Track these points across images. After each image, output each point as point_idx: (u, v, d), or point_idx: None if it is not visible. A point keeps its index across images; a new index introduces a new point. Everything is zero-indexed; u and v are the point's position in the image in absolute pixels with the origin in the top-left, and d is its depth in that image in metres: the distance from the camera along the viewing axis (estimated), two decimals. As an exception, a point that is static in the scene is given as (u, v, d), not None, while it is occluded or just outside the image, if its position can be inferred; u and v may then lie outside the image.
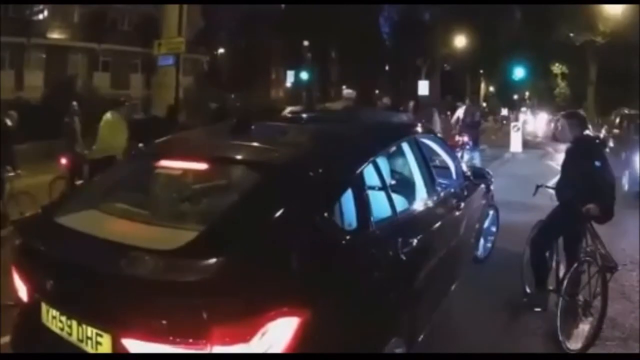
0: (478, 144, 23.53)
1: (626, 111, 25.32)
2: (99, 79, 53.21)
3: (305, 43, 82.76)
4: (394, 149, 6.96)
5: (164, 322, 3.66)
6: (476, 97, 77.66)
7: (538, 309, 8.11)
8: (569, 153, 8.25)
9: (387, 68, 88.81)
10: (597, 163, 7.62)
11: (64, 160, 14.09)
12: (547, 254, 8.34)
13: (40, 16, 52.70)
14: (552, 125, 44.54)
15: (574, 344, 7.14)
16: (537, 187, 8.82)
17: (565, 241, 8.13)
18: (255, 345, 3.61)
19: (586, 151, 7.88)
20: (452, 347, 6.81)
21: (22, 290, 4.54)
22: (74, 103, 15.24)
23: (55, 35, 53.97)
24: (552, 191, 8.52)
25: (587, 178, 7.56)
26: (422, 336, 5.99)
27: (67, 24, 55.52)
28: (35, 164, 18.04)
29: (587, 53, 63.12)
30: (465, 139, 22.76)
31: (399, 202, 6.29)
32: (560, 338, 7.14)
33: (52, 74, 48.58)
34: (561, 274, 8.05)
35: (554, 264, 8.37)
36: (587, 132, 8.17)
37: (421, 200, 6.72)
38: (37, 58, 51.60)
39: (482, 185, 9.66)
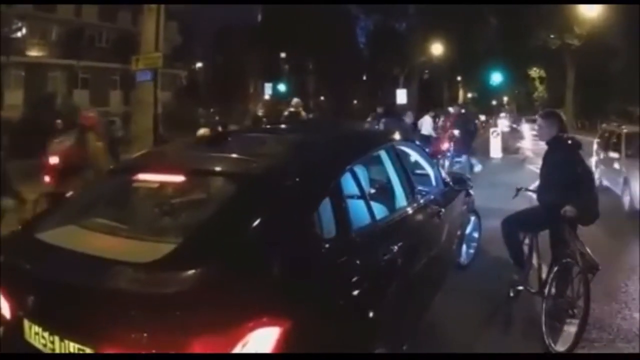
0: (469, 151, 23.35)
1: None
2: (78, 96, 53.06)
3: (282, 55, 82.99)
4: (371, 157, 6.96)
5: (144, 334, 3.64)
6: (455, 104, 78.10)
7: (520, 287, 8.24)
8: (546, 156, 8.30)
9: (364, 78, 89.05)
10: (572, 164, 7.68)
11: (47, 178, 14.04)
12: (521, 236, 8.48)
13: (19, 34, 52.60)
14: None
15: (561, 346, 7.14)
16: (518, 190, 8.84)
17: (551, 243, 8.16)
18: None
19: (561, 153, 7.92)
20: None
21: (4, 308, 4.51)
22: (59, 121, 15.21)
23: (34, 52, 53.92)
24: (532, 194, 8.59)
25: (564, 180, 7.61)
26: (405, 346, 5.99)
27: (46, 42, 55.61)
28: (17, 183, 17.95)
29: (564, 56, 63.53)
30: (446, 145, 22.74)
31: (378, 209, 6.29)
32: (547, 340, 7.16)
33: (31, 91, 48.48)
34: (544, 275, 8.08)
35: (535, 265, 8.41)
36: (564, 133, 8.19)
37: (401, 208, 6.73)
38: (16, 76, 51.48)
39: (463, 192, 9.68)
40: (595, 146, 21.78)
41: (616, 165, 17.95)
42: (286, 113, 19.70)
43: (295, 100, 19.66)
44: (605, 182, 19.19)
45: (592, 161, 20.40)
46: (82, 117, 10.64)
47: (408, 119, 23.36)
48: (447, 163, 22.12)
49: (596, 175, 19.03)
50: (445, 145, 22.92)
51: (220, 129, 14.71)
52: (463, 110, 26.88)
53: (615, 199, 17.03)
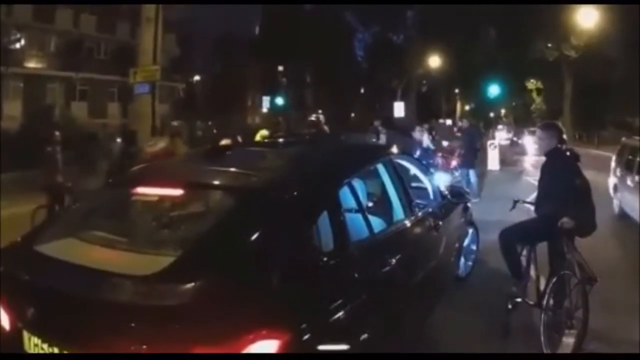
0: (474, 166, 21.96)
1: None
2: (76, 107, 53.04)
3: (280, 68, 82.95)
4: (369, 170, 6.98)
5: (143, 347, 3.67)
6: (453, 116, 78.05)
7: (518, 299, 8.12)
8: (543, 168, 8.31)
9: (362, 90, 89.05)
10: (570, 176, 7.68)
11: (45, 190, 14.05)
12: (519, 248, 8.36)
13: (18, 45, 52.58)
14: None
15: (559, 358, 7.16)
16: (515, 202, 8.82)
17: (549, 255, 8.15)
18: None
19: (560, 164, 7.94)
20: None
21: (4, 319, 4.51)
22: (57, 133, 15.18)
23: (32, 64, 53.93)
24: (529, 206, 8.58)
25: (561, 191, 7.61)
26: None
27: (44, 53, 55.59)
28: (16, 194, 17.98)
29: (562, 67, 63.57)
30: (454, 162, 22.27)
31: (377, 223, 6.33)
32: (545, 352, 7.16)
33: (30, 103, 48.50)
34: (542, 287, 8.05)
35: (533, 276, 8.39)
36: (563, 145, 8.18)
37: (398, 221, 6.77)
38: (15, 87, 51.48)
39: (461, 204, 9.68)
40: (612, 164, 18.32)
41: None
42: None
43: (320, 115, 22.31)
44: (635, 214, 15.08)
45: (610, 183, 18.27)
46: (171, 127, 12.91)
47: (418, 134, 22.82)
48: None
49: (615, 202, 17.33)
50: (453, 162, 22.35)
51: (240, 139, 15.58)
52: (461, 124, 25.76)
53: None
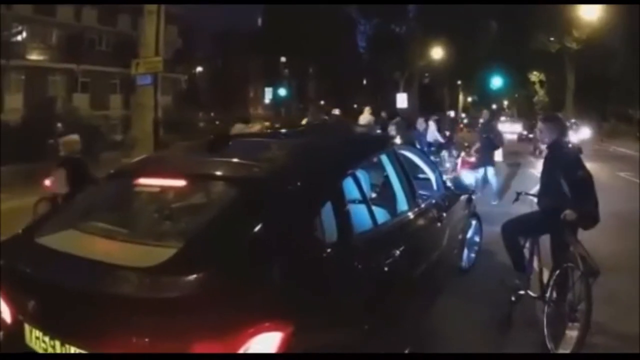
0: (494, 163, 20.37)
1: None
2: (78, 99, 52.99)
3: (283, 59, 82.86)
4: (373, 161, 6.96)
5: (145, 339, 3.65)
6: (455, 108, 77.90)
7: (521, 292, 8.12)
8: (546, 160, 8.28)
9: (364, 82, 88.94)
10: (573, 168, 7.63)
11: (47, 182, 14.00)
12: (522, 240, 8.35)
13: (19, 37, 52.52)
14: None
15: (562, 350, 7.11)
16: (518, 194, 8.79)
17: (552, 248, 8.13)
18: None
19: (561, 157, 7.90)
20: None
21: (5, 312, 4.49)
22: (59, 125, 15.22)
23: (34, 56, 53.82)
24: (532, 198, 8.54)
25: (564, 184, 7.57)
26: (408, 349, 5.98)
27: (46, 46, 55.47)
28: (17, 186, 17.99)
29: (564, 60, 63.42)
30: (473, 159, 20.96)
31: (380, 214, 6.29)
32: (549, 345, 7.14)
33: (31, 95, 48.41)
34: (545, 280, 8.03)
35: (536, 269, 8.36)
36: (565, 137, 8.14)
37: (402, 212, 6.74)
38: (16, 80, 51.37)
39: (464, 196, 9.65)
40: None
41: None
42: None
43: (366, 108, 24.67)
44: None
45: None
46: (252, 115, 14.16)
47: (420, 126, 22.02)
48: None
49: None
50: (471, 159, 21.03)
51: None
52: (483, 120, 23.50)
53: None
